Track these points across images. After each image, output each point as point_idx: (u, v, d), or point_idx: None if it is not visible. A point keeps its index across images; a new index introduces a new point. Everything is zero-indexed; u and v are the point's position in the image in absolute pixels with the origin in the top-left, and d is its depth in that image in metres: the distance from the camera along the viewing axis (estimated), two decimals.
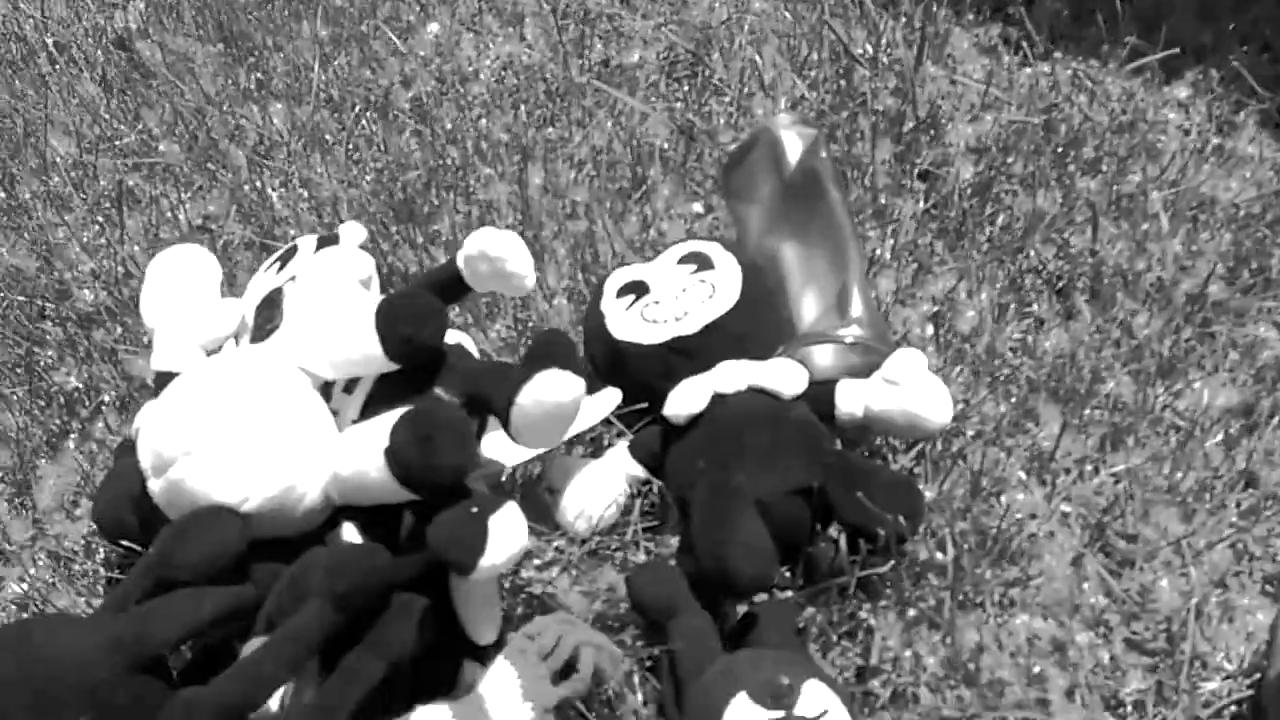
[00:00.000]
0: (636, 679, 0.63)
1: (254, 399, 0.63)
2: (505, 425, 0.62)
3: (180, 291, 0.75)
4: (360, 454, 0.60)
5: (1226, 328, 0.82)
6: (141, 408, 0.68)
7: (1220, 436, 0.76)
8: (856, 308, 0.79)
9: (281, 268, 0.76)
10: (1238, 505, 0.72)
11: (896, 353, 0.72)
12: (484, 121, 1.05)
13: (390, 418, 0.59)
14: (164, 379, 0.70)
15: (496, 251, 0.71)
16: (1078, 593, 0.68)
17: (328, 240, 0.78)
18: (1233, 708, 0.64)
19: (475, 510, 0.56)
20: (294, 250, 0.78)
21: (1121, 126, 1.01)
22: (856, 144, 1.00)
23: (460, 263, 0.73)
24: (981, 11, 1.16)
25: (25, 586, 0.72)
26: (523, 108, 1.06)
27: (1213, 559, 0.69)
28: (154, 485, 0.62)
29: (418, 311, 0.66)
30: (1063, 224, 0.92)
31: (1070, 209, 0.93)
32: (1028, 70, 1.09)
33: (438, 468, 0.58)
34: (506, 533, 0.57)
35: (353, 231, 0.80)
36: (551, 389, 0.61)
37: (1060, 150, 0.98)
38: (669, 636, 0.61)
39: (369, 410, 0.66)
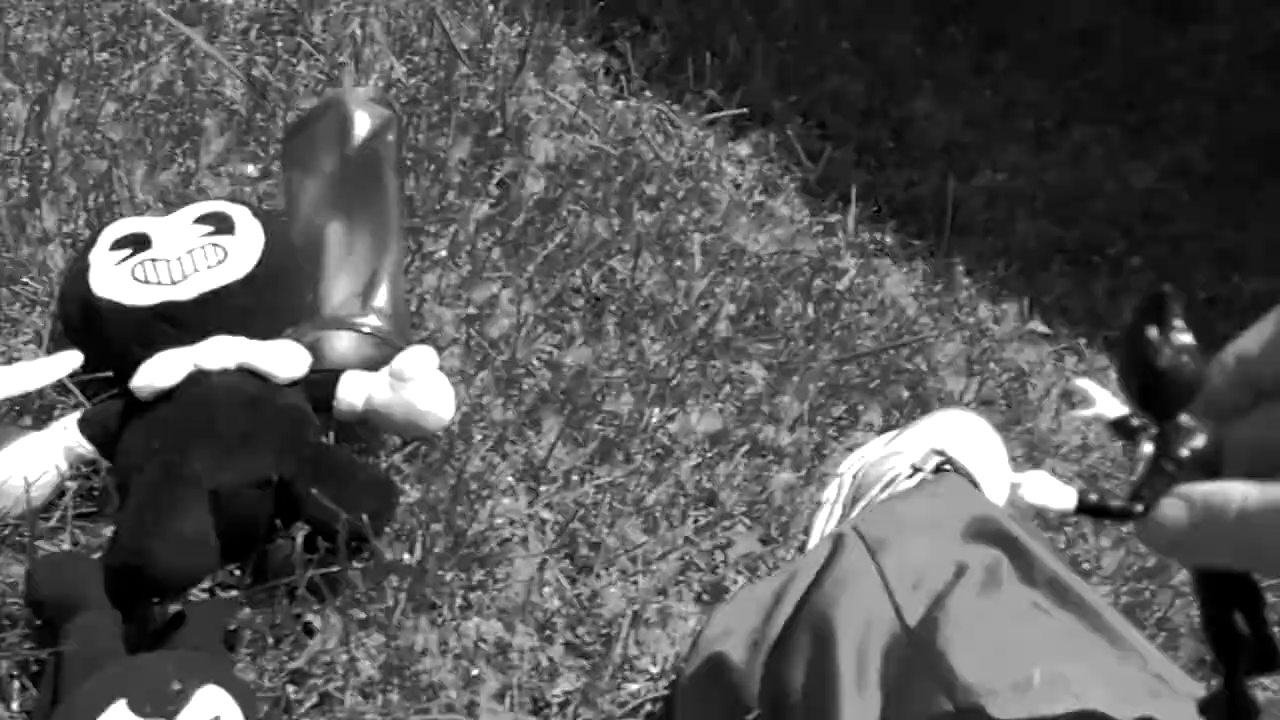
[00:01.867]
0: (16, 686, 0.54)
1: None
2: None
3: None
4: None
5: (724, 363, 0.88)
6: None
7: (696, 459, 0.81)
8: (381, 298, 0.75)
9: None
10: (695, 521, 0.77)
11: (407, 348, 0.68)
12: (19, 29, 0.89)
13: None
14: None
15: None
16: (538, 597, 0.69)
17: None
18: (649, 707, 0.67)
19: None
20: None
21: (686, 171, 1.06)
22: (440, 138, 0.97)
23: None
24: (592, 36, 1.17)
25: None
26: (75, 26, 0.91)
27: (662, 568, 0.73)
28: None
29: None
30: (614, 250, 0.94)
31: (623, 237, 0.95)
32: (619, 103, 1.11)
33: None
34: None
35: None
36: None
37: (627, 183, 1.01)
38: (61, 636, 0.53)
39: None
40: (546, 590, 0.69)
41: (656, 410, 0.83)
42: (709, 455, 0.82)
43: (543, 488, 0.74)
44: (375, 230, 0.79)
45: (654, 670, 0.69)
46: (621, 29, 1.19)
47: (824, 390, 0.89)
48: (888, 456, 0.81)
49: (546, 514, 0.74)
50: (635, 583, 0.72)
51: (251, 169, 0.86)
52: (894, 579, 0.57)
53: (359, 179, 0.81)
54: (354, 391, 0.68)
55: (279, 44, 1.00)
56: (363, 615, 0.62)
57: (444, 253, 0.88)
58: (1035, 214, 1.17)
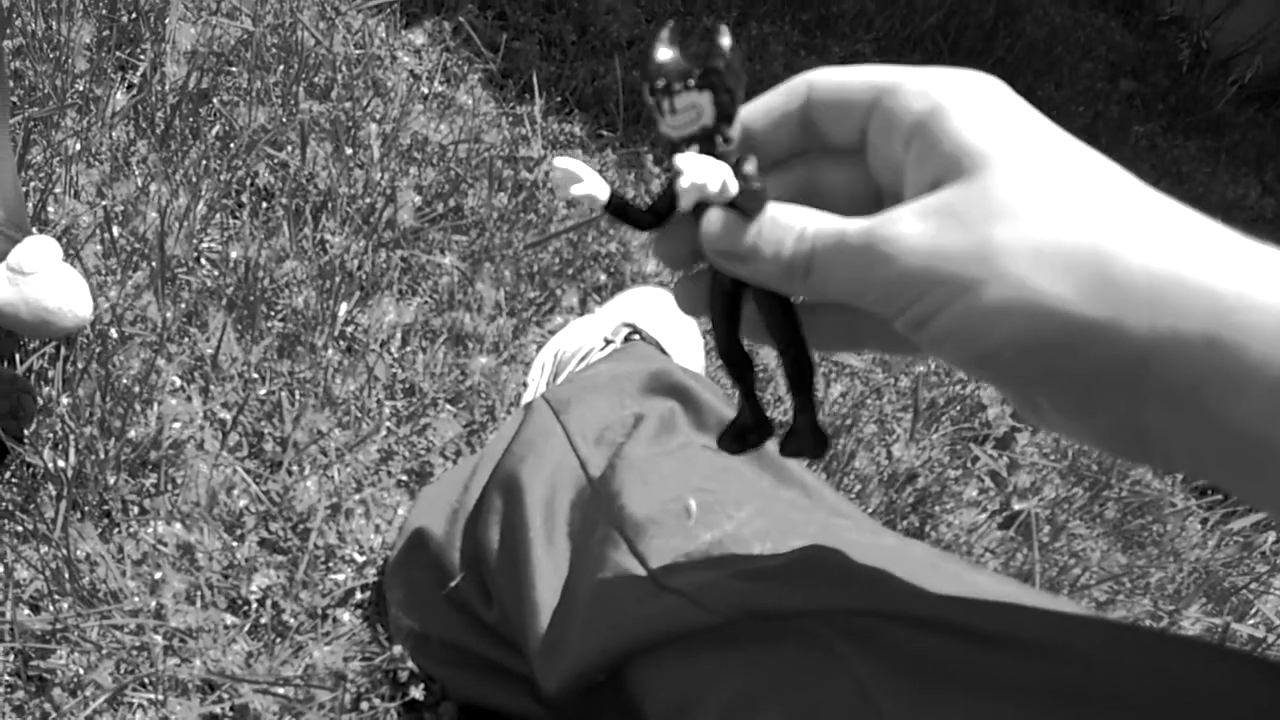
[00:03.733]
0: None
1: None
2: None
3: None
4: None
5: (414, 253, 0.91)
6: None
7: (392, 351, 0.84)
8: None
9: None
10: (395, 411, 0.81)
11: (26, 240, 0.66)
12: None
13: None
14: None
15: None
16: (224, 498, 0.70)
17: None
18: (358, 595, 0.70)
19: None
20: None
21: (357, 59, 1.07)
22: (61, 21, 0.91)
23: None
24: None
25: None
26: None
27: (360, 459, 0.76)
28: None
29: None
30: (280, 142, 0.94)
31: (289, 127, 0.95)
32: None
33: None
34: None
35: None
36: None
37: (292, 71, 1.00)
38: None
39: None
40: (234, 491, 0.70)
41: (344, 304, 0.85)
42: (407, 348, 0.85)
43: (214, 387, 0.74)
44: None
45: (360, 559, 0.72)
46: None
47: (520, 276, 0.95)
48: (583, 334, 0.88)
49: (224, 413, 0.74)
50: (332, 476, 0.74)
51: None
52: (577, 435, 0.62)
53: None
54: None
55: None
56: (20, 528, 0.61)
57: (78, 146, 0.84)
58: None
